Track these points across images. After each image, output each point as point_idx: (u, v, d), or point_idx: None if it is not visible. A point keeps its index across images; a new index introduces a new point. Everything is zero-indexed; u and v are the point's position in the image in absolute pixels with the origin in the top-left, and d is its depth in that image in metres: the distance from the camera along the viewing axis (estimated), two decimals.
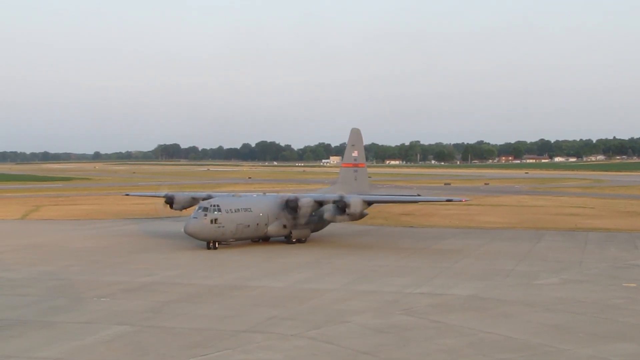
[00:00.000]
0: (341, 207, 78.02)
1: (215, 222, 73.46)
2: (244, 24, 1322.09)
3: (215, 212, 73.64)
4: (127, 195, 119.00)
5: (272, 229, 79.61)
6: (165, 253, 74.27)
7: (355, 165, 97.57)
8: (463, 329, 41.53)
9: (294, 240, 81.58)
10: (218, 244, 75.75)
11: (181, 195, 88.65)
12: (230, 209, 75.27)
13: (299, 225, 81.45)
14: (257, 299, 50.37)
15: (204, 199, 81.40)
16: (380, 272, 62.31)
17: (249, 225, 76.86)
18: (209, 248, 75.19)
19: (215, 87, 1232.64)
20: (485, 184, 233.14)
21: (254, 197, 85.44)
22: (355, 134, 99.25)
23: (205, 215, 73.30)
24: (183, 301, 49.67)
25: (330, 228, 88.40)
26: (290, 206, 79.80)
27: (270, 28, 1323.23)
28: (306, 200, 79.82)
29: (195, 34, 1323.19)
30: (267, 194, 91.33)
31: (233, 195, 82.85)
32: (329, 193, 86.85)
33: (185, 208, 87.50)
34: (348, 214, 78.17)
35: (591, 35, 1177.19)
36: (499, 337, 39.75)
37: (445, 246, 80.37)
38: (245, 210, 76.76)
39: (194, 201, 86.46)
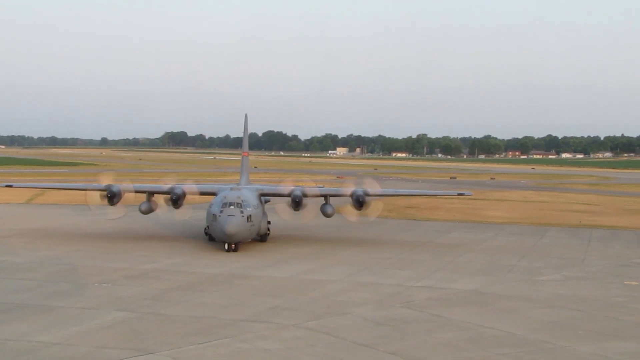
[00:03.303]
0: (361, 202, 73.30)
1: (250, 220, 65.88)
2: (253, 13, 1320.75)
3: (248, 208, 65.97)
4: (9, 186, 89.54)
5: (263, 225, 72.44)
6: (170, 241, 74.31)
7: (247, 154, 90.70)
8: (463, 324, 41.52)
9: (266, 238, 74.46)
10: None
11: (129, 187, 75.11)
12: (254, 204, 68.03)
13: (265, 221, 73.91)
14: (258, 289, 50.38)
15: (156, 192, 74.83)
16: (383, 265, 62.28)
17: (260, 222, 70.51)
18: (229, 250, 66.20)
19: (224, 76, 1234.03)
20: (492, 178, 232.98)
21: (248, 190, 72.37)
22: (246, 120, 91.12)
23: (242, 212, 65.00)
24: (184, 289, 49.68)
25: (333, 220, 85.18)
26: (296, 201, 72.40)
27: (279, 18, 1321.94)
28: (315, 193, 75.91)
29: (205, 23, 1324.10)
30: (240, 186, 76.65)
31: (232, 189, 71.12)
32: (247, 184, 79.23)
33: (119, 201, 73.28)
34: (363, 209, 74.15)
35: (600, 33, 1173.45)
36: (498, 332, 39.72)
37: (449, 240, 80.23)
38: (257, 206, 69.29)
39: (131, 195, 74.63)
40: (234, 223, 64.21)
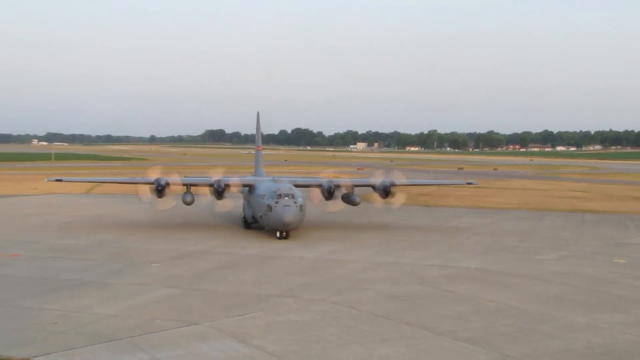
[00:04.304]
0: (387, 191, 72.52)
1: (301, 210, 63.55)
2: (281, 26, 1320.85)
3: (299, 199, 63.64)
4: (59, 180, 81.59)
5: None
6: (209, 225, 74.56)
7: (261, 149, 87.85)
8: (470, 298, 41.32)
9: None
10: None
11: (176, 181, 72.02)
12: (301, 195, 65.00)
13: None
14: (289, 268, 50.37)
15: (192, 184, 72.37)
16: (399, 246, 62.04)
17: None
18: (280, 238, 63.85)
19: (258, 80, 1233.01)
20: (495, 169, 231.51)
21: (289, 182, 69.50)
22: (258, 117, 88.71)
23: (295, 202, 62.79)
24: (224, 268, 49.84)
25: (354, 207, 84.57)
26: (330, 191, 71.46)
27: (304, 31, 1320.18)
28: (345, 183, 74.30)
29: (241, 34, 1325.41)
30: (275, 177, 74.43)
31: (275, 180, 69.76)
32: (264, 177, 77.99)
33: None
34: (388, 198, 72.96)
35: (591, 39, 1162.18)
36: (502, 305, 39.50)
37: (458, 224, 79.76)
38: (303, 197, 65.59)
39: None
40: (291, 213, 62.29)
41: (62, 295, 40.22)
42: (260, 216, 65.50)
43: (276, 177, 75.45)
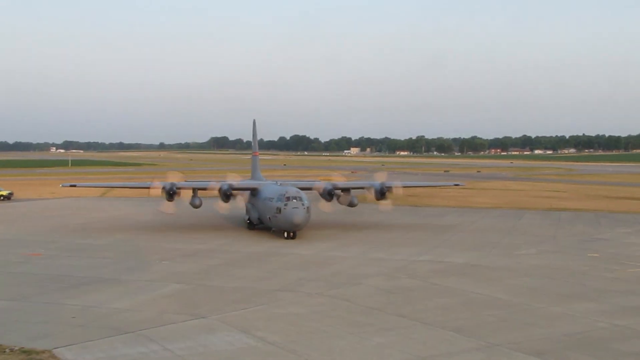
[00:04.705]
0: (383, 193, 71.85)
1: (308, 211, 62.36)
2: (280, 43, 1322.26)
3: (306, 202, 62.37)
4: (72, 186, 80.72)
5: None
6: (215, 225, 74.44)
7: (258, 154, 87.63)
8: (457, 290, 41.36)
9: None
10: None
11: (186, 185, 71.87)
12: (307, 198, 63.79)
13: None
14: (288, 264, 50.36)
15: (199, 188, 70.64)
16: (390, 243, 62.00)
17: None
18: (288, 238, 62.86)
19: (258, 89, 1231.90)
20: (478, 171, 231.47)
21: (291, 185, 68.50)
22: (254, 125, 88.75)
23: (303, 204, 61.73)
24: (228, 265, 49.83)
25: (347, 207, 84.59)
26: (331, 194, 71.27)
27: (299, 45, 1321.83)
28: (344, 186, 73.73)
29: (240, 48, 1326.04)
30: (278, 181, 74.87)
31: (281, 184, 68.88)
32: (259, 180, 78.02)
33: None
34: (384, 199, 72.35)
35: (565, 50, 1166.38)
36: (485, 297, 39.54)
37: (444, 222, 79.72)
38: (309, 200, 64.37)
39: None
40: (300, 214, 61.26)
41: (79, 291, 40.18)
42: (269, 218, 64.46)
43: (280, 181, 74.84)
